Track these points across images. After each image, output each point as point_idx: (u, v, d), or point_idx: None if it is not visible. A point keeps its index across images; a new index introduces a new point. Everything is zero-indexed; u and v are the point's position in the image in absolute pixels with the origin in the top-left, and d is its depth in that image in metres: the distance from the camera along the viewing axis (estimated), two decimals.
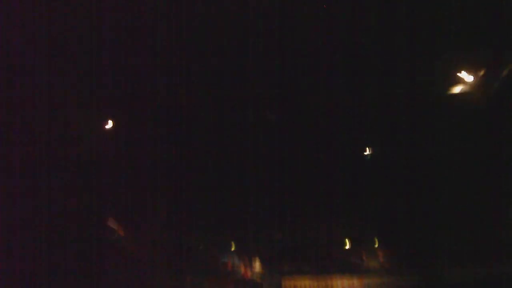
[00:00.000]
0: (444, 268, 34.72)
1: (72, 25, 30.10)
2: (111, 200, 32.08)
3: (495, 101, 32.49)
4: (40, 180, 29.89)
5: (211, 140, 33.25)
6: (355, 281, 35.60)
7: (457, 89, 32.98)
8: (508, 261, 33.04)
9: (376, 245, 36.80)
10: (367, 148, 35.99)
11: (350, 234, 36.46)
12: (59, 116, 30.25)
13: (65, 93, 29.94)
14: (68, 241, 30.19)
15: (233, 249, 36.15)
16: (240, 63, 32.87)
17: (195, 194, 33.57)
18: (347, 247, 36.70)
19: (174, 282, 32.92)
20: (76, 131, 30.62)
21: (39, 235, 29.77)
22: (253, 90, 32.78)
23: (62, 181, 30.41)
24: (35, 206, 29.76)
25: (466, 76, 33.00)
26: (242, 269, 35.78)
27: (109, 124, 32.32)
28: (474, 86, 32.82)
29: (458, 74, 33.12)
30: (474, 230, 34.06)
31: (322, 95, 33.46)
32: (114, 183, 31.69)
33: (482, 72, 32.83)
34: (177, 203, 33.34)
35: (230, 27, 32.38)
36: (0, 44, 27.36)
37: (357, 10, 32.81)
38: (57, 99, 29.83)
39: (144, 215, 33.12)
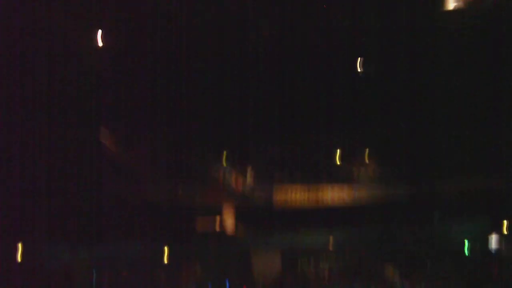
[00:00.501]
0: (435, 179, 35.53)
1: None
2: (105, 114, 32.05)
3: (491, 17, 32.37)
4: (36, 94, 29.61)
5: (208, 54, 32.95)
6: (346, 192, 36.35)
7: (452, 5, 32.80)
8: (501, 173, 33.83)
9: (367, 156, 37.31)
10: (362, 61, 35.71)
11: (341, 145, 36.75)
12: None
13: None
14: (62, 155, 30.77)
15: (224, 161, 36.35)
16: None
17: (189, 106, 33.62)
18: (338, 158, 37.26)
19: (166, 195, 33.42)
20: (71, 45, 30.09)
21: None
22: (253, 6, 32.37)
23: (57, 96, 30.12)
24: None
25: None
26: (233, 181, 36.21)
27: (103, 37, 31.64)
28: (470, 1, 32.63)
29: None
30: (467, 142, 34.66)
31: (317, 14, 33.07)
32: (109, 96, 31.70)
33: None
34: (171, 116, 33.54)
35: None
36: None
37: None
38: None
39: (138, 127, 33.43)
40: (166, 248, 33.09)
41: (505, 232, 35.72)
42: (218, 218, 35.44)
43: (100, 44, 31.54)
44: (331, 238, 35.83)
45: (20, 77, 29.87)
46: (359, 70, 34.64)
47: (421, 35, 33.42)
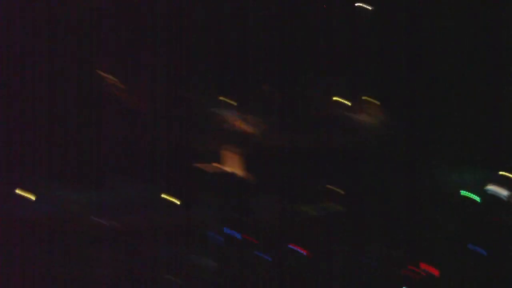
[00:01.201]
0: (434, 126, 35.61)
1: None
2: (104, 49, 31.53)
3: None
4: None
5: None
6: (346, 137, 35.62)
7: None
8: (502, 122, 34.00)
9: (371, 99, 37.34)
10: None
11: (338, 86, 37.10)
12: None
13: None
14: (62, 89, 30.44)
15: (224, 101, 36.30)
16: None
17: (192, 43, 33.62)
18: (335, 99, 37.38)
19: (168, 134, 33.35)
20: None
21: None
22: None
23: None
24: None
25: None
26: (236, 122, 36.78)
27: None
28: None
29: None
30: (468, 89, 34.88)
31: None
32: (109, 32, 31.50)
33: None
34: (173, 53, 33.58)
35: None
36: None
37: None
38: None
39: (139, 63, 32.91)
40: (165, 194, 32.49)
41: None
42: (218, 162, 35.49)
43: None
44: (331, 183, 35.88)
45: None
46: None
47: None
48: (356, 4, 33.88)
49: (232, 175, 35.89)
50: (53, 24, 28.94)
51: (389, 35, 34.68)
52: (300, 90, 35.99)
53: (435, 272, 29.80)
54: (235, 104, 35.58)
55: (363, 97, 36.35)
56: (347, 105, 36.74)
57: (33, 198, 30.09)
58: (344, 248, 30.76)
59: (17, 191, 28.94)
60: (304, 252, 29.97)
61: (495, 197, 34.89)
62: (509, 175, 33.00)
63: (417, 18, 34.35)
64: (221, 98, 35.53)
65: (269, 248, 30.61)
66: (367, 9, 34.85)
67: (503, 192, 34.52)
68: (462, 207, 33.42)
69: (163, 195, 32.60)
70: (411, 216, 33.43)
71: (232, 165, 36.14)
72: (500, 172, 33.38)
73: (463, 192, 33.69)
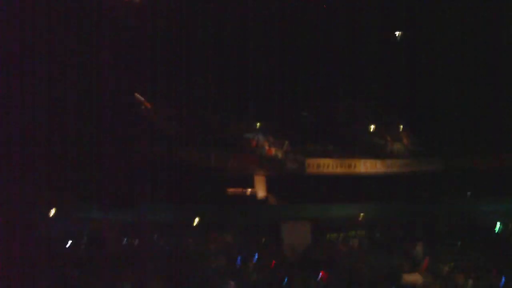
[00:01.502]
0: (468, 155, 35.57)
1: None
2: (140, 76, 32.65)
3: None
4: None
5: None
6: (378, 162, 36.77)
7: None
8: None
9: (401, 128, 37.62)
10: (397, 32, 36.16)
11: (375, 117, 37.04)
12: None
13: None
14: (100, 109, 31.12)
15: (258, 126, 36.96)
16: None
17: (222, 70, 34.35)
18: (372, 129, 37.69)
19: (199, 156, 33.85)
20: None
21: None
22: None
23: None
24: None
25: None
26: (266, 147, 36.61)
27: None
28: None
29: None
30: (502, 119, 34.91)
31: None
32: (142, 59, 32.14)
33: None
34: (204, 78, 34.12)
35: None
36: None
37: None
38: None
39: (171, 89, 33.73)
40: (196, 217, 33.24)
41: None
42: (249, 186, 36.02)
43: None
44: (361, 211, 36.32)
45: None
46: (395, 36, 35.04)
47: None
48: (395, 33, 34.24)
49: (263, 200, 35.73)
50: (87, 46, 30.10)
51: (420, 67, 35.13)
52: (336, 117, 36.24)
53: None
54: (270, 130, 36.49)
55: (397, 126, 36.68)
56: (382, 133, 37.13)
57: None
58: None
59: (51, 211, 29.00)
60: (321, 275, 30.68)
61: None
62: None
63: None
64: (258, 123, 36.28)
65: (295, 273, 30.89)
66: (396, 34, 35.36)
67: None
68: (494, 238, 33.45)
69: (195, 220, 32.70)
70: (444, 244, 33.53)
71: (264, 191, 35.93)
72: None
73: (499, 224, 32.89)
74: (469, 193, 36.96)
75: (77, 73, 30.87)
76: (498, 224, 36.43)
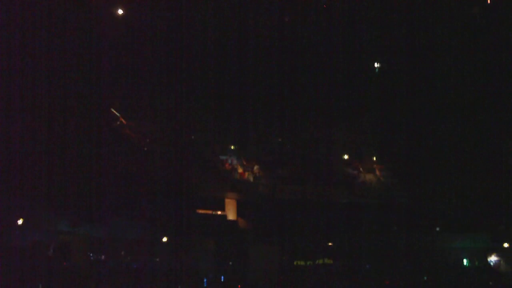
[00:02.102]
0: (439, 192, 35.99)
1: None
2: (114, 88, 33.01)
3: None
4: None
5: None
6: (349, 192, 37.28)
7: None
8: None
9: (374, 159, 37.92)
10: (375, 62, 36.78)
11: (349, 146, 37.48)
12: None
13: None
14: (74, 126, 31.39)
15: (232, 148, 37.19)
16: None
17: (198, 85, 34.66)
18: (346, 158, 37.89)
19: (172, 174, 33.85)
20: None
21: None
22: None
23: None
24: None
25: None
26: (240, 169, 36.95)
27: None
28: None
29: None
30: (473, 152, 35.29)
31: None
32: (117, 70, 32.62)
33: None
34: (179, 93, 34.19)
35: None
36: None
37: None
38: None
39: (145, 104, 34.19)
40: (164, 235, 33.19)
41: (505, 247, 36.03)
42: (219, 208, 35.96)
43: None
44: (330, 240, 36.43)
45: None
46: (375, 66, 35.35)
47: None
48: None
49: (233, 222, 36.00)
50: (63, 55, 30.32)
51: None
52: (310, 144, 36.45)
53: None
54: (243, 153, 36.72)
55: (371, 157, 36.90)
56: (354, 163, 37.38)
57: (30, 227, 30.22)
58: None
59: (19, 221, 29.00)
60: None
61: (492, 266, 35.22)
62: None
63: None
64: (232, 147, 36.64)
65: None
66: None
67: (502, 263, 34.88)
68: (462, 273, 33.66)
69: (163, 238, 32.62)
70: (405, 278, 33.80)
71: (234, 213, 36.20)
72: (504, 244, 33.75)
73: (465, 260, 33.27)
74: (437, 228, 37.16)
75: (54, 81, 31.07)
76: (465, 260, 36.76)
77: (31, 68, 29.49)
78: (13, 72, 28.29)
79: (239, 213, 36.57)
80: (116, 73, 33.09)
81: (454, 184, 36.45)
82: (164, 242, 32.97)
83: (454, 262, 36.28)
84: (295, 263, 35.71)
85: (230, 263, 34.49)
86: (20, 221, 30.14)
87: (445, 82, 35.77)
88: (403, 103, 36.21)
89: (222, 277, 33.42)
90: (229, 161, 36.80)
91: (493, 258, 35.71)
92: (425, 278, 34.57)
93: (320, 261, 36.08)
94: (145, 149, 34.35)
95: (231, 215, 36.43)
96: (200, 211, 35.46)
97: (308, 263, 35.88)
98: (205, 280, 32.80)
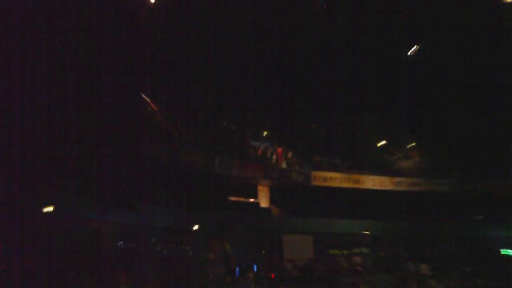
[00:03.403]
0: (481, 178, 36.54)
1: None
2: (146, 75, 32.83)
3: None
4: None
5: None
6: (386, 179, 37.02)
7: None
8: None
9: (412, 145, 37.52)
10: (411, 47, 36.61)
11: (386, 131, 37.05)
12: None
13: None
14: (105, 112, 30.98)
15: (265, 134, 37.34)
16: None
17: (231, 77, 34.57)
18: (381, 144, 37.61)
19: (202, 160, 33.86)
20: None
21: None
22: None
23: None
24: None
25: None
26: (272, 156, 37.04)
27: None
28: None
29: None
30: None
31: None
32: (151, 60, 32.37)
33: None
34: (212, 83, 34.47)
35: None
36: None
37: None
38: None
39: (178, 93, 34.20)
40: (196, 223, 33.47)
41: None
42: (252, 195, 36.20)
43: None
44: (367, 229, 36.57)
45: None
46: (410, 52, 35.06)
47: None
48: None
49: (266, 210, 36.27)
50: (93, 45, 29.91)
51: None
52: (345, 131, 36.27)
53: None
54: (277, 139, 36.87)
55: (411, 144, 36.47)
56: (391, 149, 37.08)
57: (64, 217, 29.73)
58: None
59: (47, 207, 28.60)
60: None
61: None
62: None
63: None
64: (264, 132, 36.58)
65: None
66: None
67: None
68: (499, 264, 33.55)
69: (195, 226, 32.79)
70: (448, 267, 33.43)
71: (267, 201, 36.55)
72: None
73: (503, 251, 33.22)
74: (481, 217, 36.85)
75: (78, 71, 30.37)
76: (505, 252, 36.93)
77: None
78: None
79: (272, 200, 36.85)
80: (146, 55, 32.96)
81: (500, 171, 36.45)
82: (195, 230, 33.19)
83: (498, 252, 36.24)
84: (330, 252, 36.20)
85: (263, 251, 34.92)
86: (50, 208, 29.31)
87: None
88: (444, 83, 36.03)
89: (255, 266, 33.64)
90: (262, 147, 37.01)
91: None
92: (468, 269, 34.72)
93: (356, 250, 36.58)
94: (176, 135, 34.37)
95: (264, 203, 36.73)
96: (232, 199, 35.86)
97: (343, 252, 36.38)
98: (237, 268, 33.08)
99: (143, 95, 34.19)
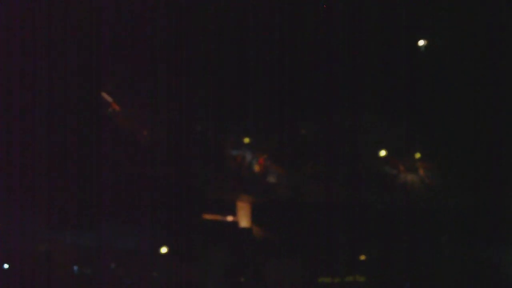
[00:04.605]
0: (499, 193, 34.33)
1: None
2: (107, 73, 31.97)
3: None
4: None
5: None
6: (388, 195, 35.58)
7: None
8: None
9: (418, 156, 36.25)
10: (420, 40, 35.23)
11: (388, 140, 35.86)
12: None
13: None
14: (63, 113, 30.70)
15: (246, 142, 35.50)
16: None
17: (205, 71, 33.06)
18: (383, 154, 36.35)
19: (173, 172, 32.46)
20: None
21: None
22: None
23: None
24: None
25: None
26: (255, 166, 35.53)
27: None
28: None
29: None
30: None
31: None
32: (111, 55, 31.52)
33: None
34: (181, 78, 32.83)
35: None
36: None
37: None
38: None
39: (142, 89, 32.90)
40: (163, 245, 31.97)
41: None
42: (230, 213, 34.62)
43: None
44: (364, 252, 34.88)
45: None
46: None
47: None
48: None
49: (246, 231, 34.26)
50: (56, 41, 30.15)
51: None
52: (341, 137, 35.29)
53: None
54: (261, 147, 34.67)
55: (414, 154, 35.08)
56: (392, 161, 35.62)
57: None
58: None
59: None
60: None
61: None
62: None
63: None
64: (245, 140, 34.74)
65: None
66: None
67: None
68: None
69: (162, 249, 31.45)
70: None
71: (248, 220, 34.47)
72: None
73: None
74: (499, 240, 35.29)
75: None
76: None
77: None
78: None
79: (253, 219, 35.16)
80: (109, 50, 32.07)
81: None
82: (164, 253, 31.99)
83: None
84: (319, 280, 34.54)
85: (243, 279, 33.71)
86: None
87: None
88: (452, 87, 34.57)
89: None
90: (242, 157, 35.21)
91: None
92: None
93: (350, 278, 34.87)
94: (142, 141, 32.98)
95: (244, 222, 35.11)
96: (207, 217, 34.24)
97: (335, 280, 34.67)
98: None
99: (104, 94, 32.64)
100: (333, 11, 33.78)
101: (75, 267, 30.97)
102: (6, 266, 29.70)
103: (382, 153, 36.66)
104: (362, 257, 34.96)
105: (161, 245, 31.64)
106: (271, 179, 35.38)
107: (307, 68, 34.36)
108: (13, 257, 29.36)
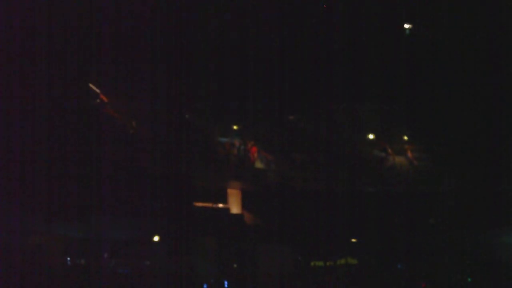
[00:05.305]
0: (488, 176, 34.86)
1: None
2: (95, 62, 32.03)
3: None
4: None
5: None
6: (376, 178, 35.82)
7: None
8: None
9: (406, 138, 36.75)
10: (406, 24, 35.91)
11: (374, 124, 36.34)
12: None
13: None
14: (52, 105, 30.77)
15: (235, 128, 35.98)
16: None
17: (193, 60, 33.28)
18: (371, 137, 36.83)
19: (163, 161, 32.66)
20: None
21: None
22: None
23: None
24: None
25: None
26: (244, 153, 35.89)
27: None
28: None
29: None
30: None
31: None
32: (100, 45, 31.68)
33: None
34: (170, 68, 32.95)
35: None
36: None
37: None
38: None
39: (129, 80, 32.97)
40: (156, 234, 32.17)
41: None
42: (221, 201, 34.98)
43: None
44: (354, 236, 35.33)
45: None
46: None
47: None
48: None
49: (238, 218, 34.66)
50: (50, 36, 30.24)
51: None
52: (330, 123, 35.62)
53: None
54: (250, 134, 35.01)
55: (401, 136, 35.25)
56: (380, 144, 35.77)
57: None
58: None
59: None
60: None
61: None
62: None
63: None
64: (234, 126, 35.32)
65: None
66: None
67: None
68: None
69: (154, 238, 31.61)
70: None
71: (239, 207, 34.96)
72: None
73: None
74: (485, 222, 35.69)
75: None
76: None
77: None
78: None
79: (244, 206, 35.75)
80: (96, 40, 32.15)
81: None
82: (156, 242, 32.38)
83: (504, 260, 34.88)
84: (312, 264, 35.19)
85: (235, 265, 34.14)
86: None
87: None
88: (440, 68, 35.03)
89: (226, 282, 33.31)
90: (232, 144, 35.72)
91: None
92: (470, 279, 34.31)
93: (342, 261, 35.46)
94: (132, 132, 33.30)
95: (235, 209, 35.67)
96: (198, 204, 34.63)
97: (327, 263, 35.30)
98: (205, 286, 32.72)
99: (91, 85, 32.98)
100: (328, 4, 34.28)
101: (68, 258, 31.21)
102: None
103: (370, 136, 37.25)
104: (353, 240, 35.13)
105: (153, 234, 31.80)
106: (260, 165, 35.79)
107: (296, 57, 34.34)
108: (5, 250, 29.21)
